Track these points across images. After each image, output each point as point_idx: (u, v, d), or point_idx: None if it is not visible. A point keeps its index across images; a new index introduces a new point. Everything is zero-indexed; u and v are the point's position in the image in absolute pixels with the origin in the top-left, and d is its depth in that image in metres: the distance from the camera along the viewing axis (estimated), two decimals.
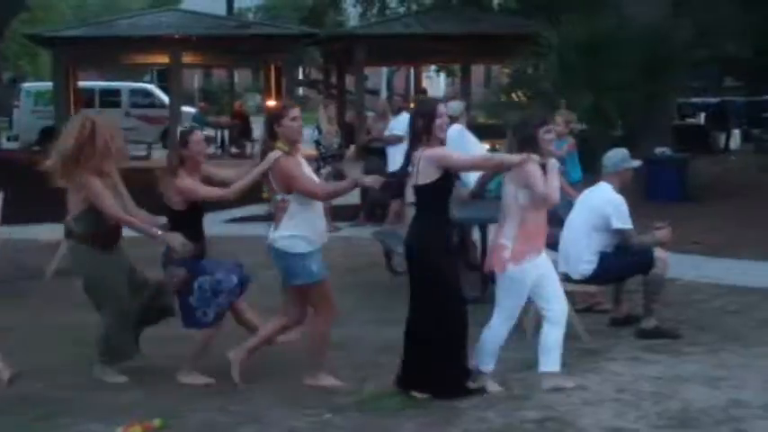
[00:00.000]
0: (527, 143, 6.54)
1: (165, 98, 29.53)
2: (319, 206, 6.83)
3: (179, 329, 8.42)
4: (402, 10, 34.68)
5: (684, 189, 15.53)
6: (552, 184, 6.42)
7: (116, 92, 31.54)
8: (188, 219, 6.97)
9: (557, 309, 6.65)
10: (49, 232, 11.85)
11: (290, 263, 6.72)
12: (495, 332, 6.65)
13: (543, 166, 6.45)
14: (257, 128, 29.15)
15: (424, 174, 6.45)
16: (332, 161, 13.88)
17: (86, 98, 29.23)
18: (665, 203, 13.83)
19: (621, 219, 7.93)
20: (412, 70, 39.22)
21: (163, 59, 26.25)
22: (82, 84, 28.88)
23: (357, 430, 6.06)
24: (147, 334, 8.30)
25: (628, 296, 8.52)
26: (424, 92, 20.61)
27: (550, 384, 6.61)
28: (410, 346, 6.58)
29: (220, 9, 34.91)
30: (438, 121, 6.47)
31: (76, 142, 6.80)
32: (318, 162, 14.10)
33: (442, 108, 6.59)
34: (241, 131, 28.52)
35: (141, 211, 7.09)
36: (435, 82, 46.47)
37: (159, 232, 6.84)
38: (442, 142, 6.51)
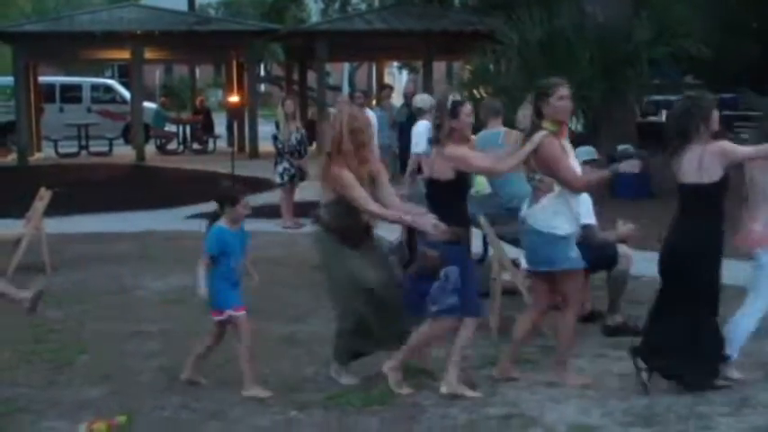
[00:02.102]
0: None
1: (127, 94, 29.33)
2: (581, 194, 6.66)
3: (139, 326, 8.40)
4: (364, 6, 34.68)
5: (648, 186, 15.62)
6: None
7: (77, 87, 31.30)
8: (452, 192, 6.46)
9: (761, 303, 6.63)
10: (8, 229, 11.69)
11: (547, 244, 6.52)
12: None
13: None
14: (219, 123, 29.11)
15: (710, 171, 6.34)
16: (289, 157, 13.79)
17: (47, 93, 28.98)
18: (629, 200, 13.92)
19: (587, 214, 7.92)
20: (374, 66, 39.24)
21: (124, 55, 26.08)
22: (43, 79, 28.66)
23: (322, 427, 6.04)
24: (108, 330, 8.26)
25: (592, 293, 8.53)
26: (389, 87, 20.55)
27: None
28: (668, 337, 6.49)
29: (181, 4, 34.69)
30: (715, 115, 6.44)
31: (335, 134, 6.63)
32: (276, 158, 14.02)
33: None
34: (203, 127, 28.34)
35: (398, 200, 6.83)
36: (397, 78, 46.46)
37: (409, 217, 6.47)
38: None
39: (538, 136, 6.46)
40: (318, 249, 6.84)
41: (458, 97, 6.72)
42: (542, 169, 6.50)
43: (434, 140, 6.50)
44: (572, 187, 6.52)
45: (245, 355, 6.63)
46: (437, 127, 6.47)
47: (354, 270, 6.61)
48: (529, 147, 6.49)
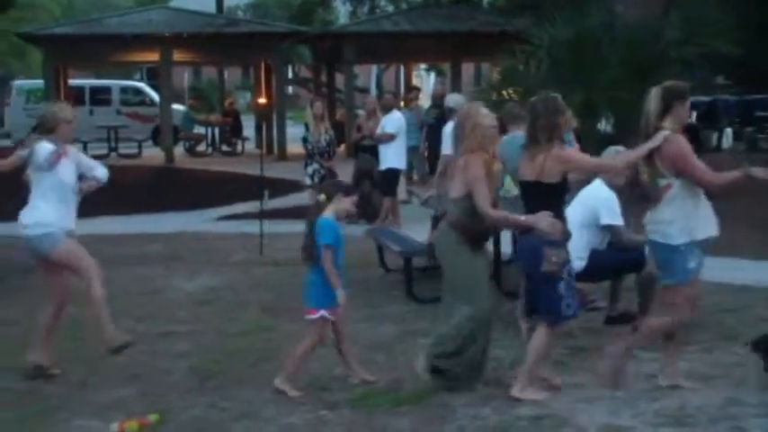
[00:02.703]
0: None
1: (156, 96, 29.48)
2: (702, 196, 6.39)
3: (169, 327, 8.44)
4: (391, 8, 34.70)
5: None
6: None
7: (107, 90, 31.48)
8: (557, 194, 6.37)
9: None
10: None
11: (664, 255, 6.40)
12: None
13: None
14: (248, 126, 29.20)
15: None
16: (319, 159, 13.83)
17: (77, 96, 29.17)
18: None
19: (610, 215, 7.89)
20: (402, 68, 39.25)
21: (153, 57, 26.21)
22: (72, 82, 28.85)
23: (351, 427, 6.03)
24: (139, 330, 8.29)
25: (624, 294, 8.46)
26: (417, 89, 20.59)
27: None
28: None
29: (210, 7, 34.84)
30: None
31: (469, 124, 6.52)
32: (305, 159, 14.06)
33: None
34: (232, 129, 28.45)
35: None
36: (425, 80, 46.45)
37: (522, 218, 6.37)
38: None
39: (662, 134, 6.30)
40: (443, 246, 6.66)
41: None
42: (670, 168, 6.32)
43: (540, 141, 6.31)
44: (706, 183, 6.34)
45: (304, 353, 6.63)
46: (546, 128, 6.27)
47: (482, 274, 6.56)
48: (649, 144, 6.33)
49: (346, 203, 6.66)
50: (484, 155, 6.44)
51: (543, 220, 6.19)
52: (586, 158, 6.68)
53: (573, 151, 6.39)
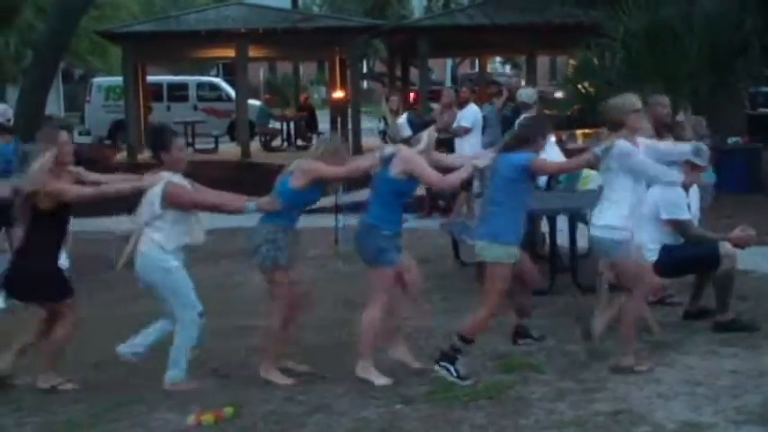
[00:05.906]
0: None
1: (232, 91, 29.73)
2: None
3: (247, 321, 8.50)
4: (466, 1, 34.58)
5: (757, 180, 15.26)
6: None
7: (184, 86, 31.77)
8: None
9: None
10: (123, 224, 11.95)
11: None
12: None
13: None
14: (323, 120, 29.32)
15: None
16: None
17: (155, 92, 29.52)
18: (736, 195, 13.58)
19: (668, 209, 7.71)
20: (477, 62, 39.08)
21: (229, 53, 26.42)
22: (150, 78, 29.21)
23: (427, 421, 6.02)
24: (217, 325, 8.36)
25: (704, 291, 8.30)
26: (500, 86, 20.48)
27: None
28: None
29: (285, 2, 35.02)
30: None
31: None
32: None
33: None
34: (307, 124, 28.58)
35: None
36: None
37: None
38: None
39: None
40: None
41: None
42: None
43: None
44: None
45: None
46: None
47: None
48: None
49: None
50: None
51: None
52: None
53: None
